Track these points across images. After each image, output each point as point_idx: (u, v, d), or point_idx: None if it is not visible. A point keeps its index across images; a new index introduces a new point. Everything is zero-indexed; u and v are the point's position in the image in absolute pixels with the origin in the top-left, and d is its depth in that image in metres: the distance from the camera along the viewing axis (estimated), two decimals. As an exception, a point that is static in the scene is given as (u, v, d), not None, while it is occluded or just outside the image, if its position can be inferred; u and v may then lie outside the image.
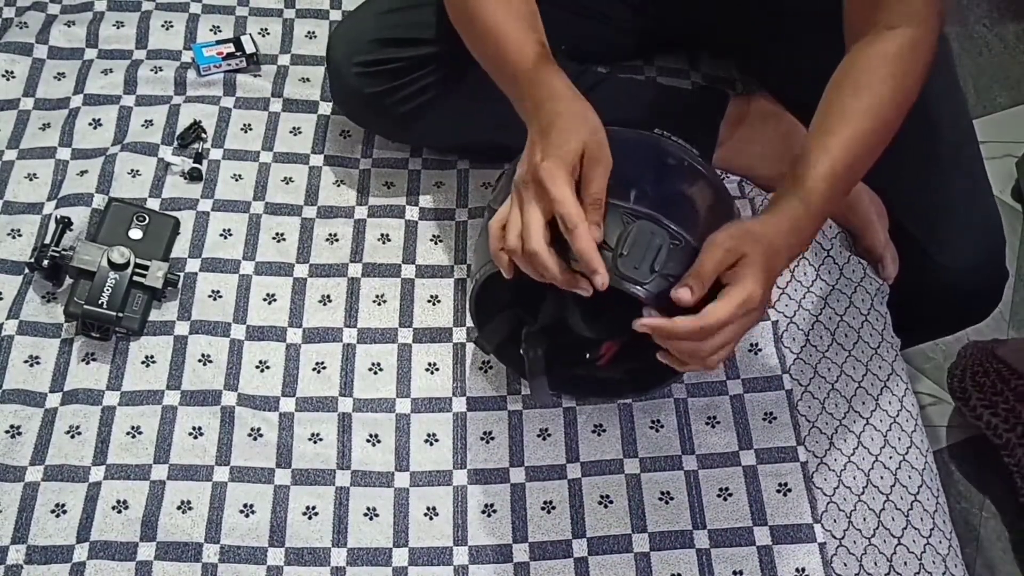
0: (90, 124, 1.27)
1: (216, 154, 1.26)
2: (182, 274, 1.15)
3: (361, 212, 1.23)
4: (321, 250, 1.20)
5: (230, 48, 1.32)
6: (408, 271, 1.19)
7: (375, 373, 1.12)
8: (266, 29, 1.38)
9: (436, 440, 1.09)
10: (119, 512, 1.02)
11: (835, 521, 1.05)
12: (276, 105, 1.31)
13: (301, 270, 1.19)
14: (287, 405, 1.10)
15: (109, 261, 1.11)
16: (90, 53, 1.34)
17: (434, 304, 1.17)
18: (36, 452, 1.05)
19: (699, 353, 0.90)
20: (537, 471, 1.07)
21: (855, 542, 1.05)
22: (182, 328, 1.12)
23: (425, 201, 1.24)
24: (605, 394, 1.10)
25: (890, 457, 1.11)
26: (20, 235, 1.18)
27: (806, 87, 1.02)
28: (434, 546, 1.03)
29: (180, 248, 1.18)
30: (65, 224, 1.15)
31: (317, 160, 1.27)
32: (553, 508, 1.05)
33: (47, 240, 1.14)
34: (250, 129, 1.29)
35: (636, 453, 1.08)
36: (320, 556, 1.02)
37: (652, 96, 1.30)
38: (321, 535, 1.03)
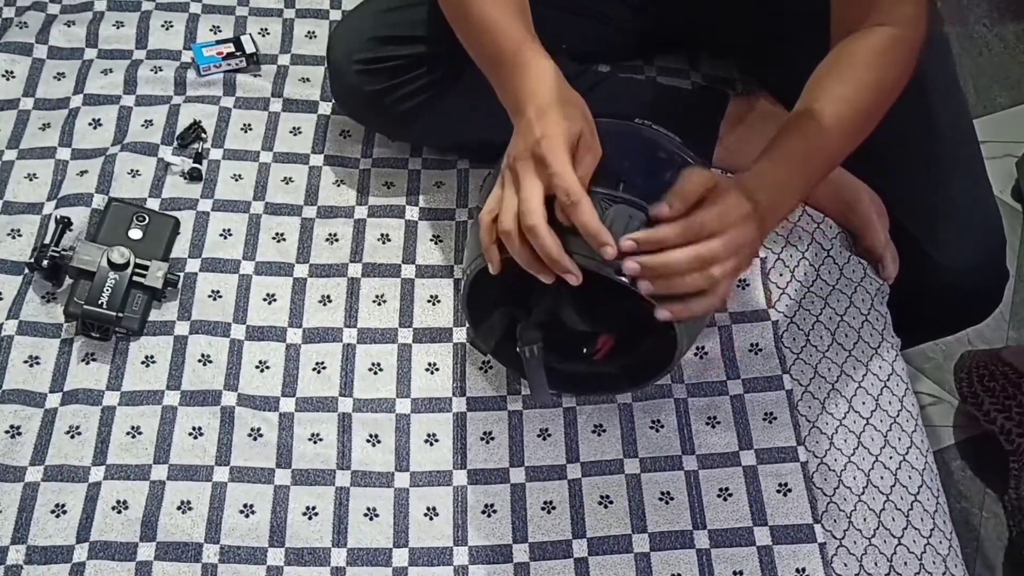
0: (90, 124, 1.27)
1: (216, 154, 1.26)
2: (182, 274, 1.15)
3: (361, 212, 1.23)
4: (321, 250, 1.20)
5: (230, 48, 1.32)
6: (408, 271, 1.19)
7: (375, 373, 1.12)
8: (266, 29, 1.38)
9: (436, 440, 1.09)
10: (119, 512, 1.02)
11: (835, 521, 1.05)
12: (276, 105, 1.31)
13: (301, 270, 1.19)
14: (287, 405, 1.10)
15: (109, 261, 1.10)
16: (90, 53, 1.34)
17: (434, 304, 1.17)
18: (36, 452, 1.05)
19: (698, 261, 0.87)
20: (537, 471, 1.07)
21: (855, 542, 1.05)
22: (182, 328, 1.12)
23: (425, 201, 1.24)
24: (604, 389, 1.10)
25: (890, 457, 1.11)
26: (20, 235, 1.18)
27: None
28: (434, 546, 1.03)
29: (180, 248, 1.18)
30: (65, 224, 1.15)
31: (317, 160, 1.27)
32: (553, 508, 1.05)
33: (47, 240, 1.14)
34: (250, 129, 1.29)
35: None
36: (320, 556, 1.02)
37: (652, 96, 1.30)
38: (321, 535, 1.03)
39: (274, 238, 1.20)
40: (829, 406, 1.12)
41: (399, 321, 1.16)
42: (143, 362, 1.10)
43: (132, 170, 1.23)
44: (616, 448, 1.08)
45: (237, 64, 1.32)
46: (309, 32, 1.38)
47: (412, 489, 1.06)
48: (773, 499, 1.05)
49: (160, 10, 1.38)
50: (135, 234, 1.16)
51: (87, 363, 1.10)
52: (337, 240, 1.21)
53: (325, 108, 1.31)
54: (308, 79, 1.34)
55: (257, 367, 1.11)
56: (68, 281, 1.13)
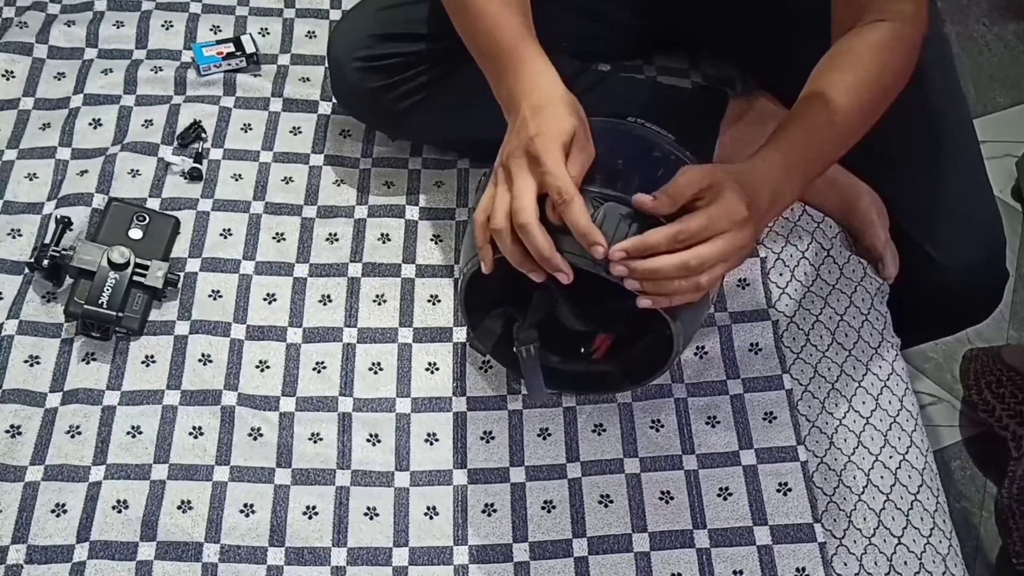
0: (90, 124, 1.27)
1: (216, 154, 1.26)
2: (182, 274, 1.15)
3: (361, 212, 1.23)
4: (321, 250, 1.20)
5: (230, 48, 1.33)
6: (408, 271, 1.19)
7: (375, 373, 1.12)
8: (266, 29, 1.38)
9: (436, 440, 1.09)
10: (119, 512, 1.02)
11: (835, 521, 1.05)
12: (276, 105, 1.31)
13: (301, 270, 1.19)
14: (287, 405, 1.10)
15: (109, 261, 1.10)
16: (90, 53, 1.34)
17: (434, 304, 1.17)
18: (36, 452, 1.05)
19: (685, 269, 0.87)
20: (537, 471, 1.07)
21: (855, 542, 1.05)
22: (182, 328, 1.12)
23: (425, 201, 1.24)
24: (602, 388, 1.10)
25: (890, 457, 1.10)
26: (20, 235, 1.18)
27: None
28: (434, 546, 1.03)
29: (180, 248, 1.18)
30: (65, 224, 1.15)
31: (317, 160, 1.27)
32: (553, 508, 1.05)
33: (47, 240, 1.14)
34: (250, 129, 1.29)
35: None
36: (320, 556, 1.02)
37: (652, 96, 1.30)
38: (321, 535, 1.03)
39: (274, 238, 1.20)
40: (829, 406, 1.12)
41: (399, 321, 1.16)
42: (143, 362, 1.10)
43: (132, 170, 1.23)
44: (616, 448, 1.08)
45: (237, 64, 1.32)
46: (309, 32, 1.38)
47: (412, 488, 1.06)
48: (773, 499, 1.05)
49: (160, 10, 1.38)
50: (135, 234, 1.16)
51: (87, 363, 1.10)
52: (337, 240, 1.21)
53: (325, 108, 1.31)
54: (308, 79, 1.34)
55: (257, 367, 1.11)
56: (68, 281, 1.13)
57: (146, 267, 1.12)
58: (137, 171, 1.23)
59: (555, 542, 1.03)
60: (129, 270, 1.11)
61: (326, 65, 1.30)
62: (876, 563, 1.03)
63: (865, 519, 1.06)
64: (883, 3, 1.02)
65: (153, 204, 1.21)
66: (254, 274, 1.17)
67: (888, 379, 1.16)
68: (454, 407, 1.11)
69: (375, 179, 1.26)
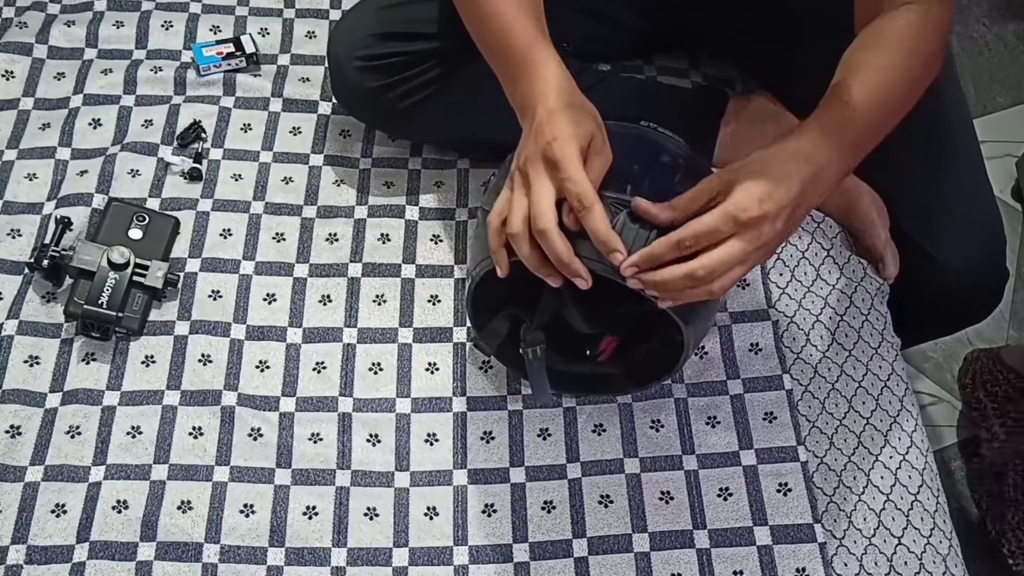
0: (90, 124, 1.27)
1: (216, 154, 1.26)
2: (182, 274, 1.15)
3: (361, 212, 1.23)
4: (321, 250, 1.20)
5: (230, 48, 1.32)
6: (408, 271, 1.19)
7: (375, 373, 1.12)
8: (266, 29, 1.38)
9: (436, 440, 1.09)
10: (119, 512, 1.02)
11: (835, 521, 1.05)
12: (276, 105, 1.31)
13: (301, 270, 1.19)
14: (287, 405, 1.10)
15: (109, 261, 1.10)
16: (90, 53, 1.34)
17: (434, 304, 1.17)
18: (36, 452, 1.05)
19: (692, 279, 0.86)
20: (537, 471, 1.07)
21: (855, 542, 1.05)
22: (182, 328, 1.12)
23: (425, 201, 1.24)
24: (607, 390, 1.10)
25: (890, 457, 1.11)
26: (20, 235, 1.18)
27: (806, 87, 1.02)
28: (434, 546, 1.03)
29: (180, 248, 1.18)
30: (65, 224, 1.15)
31: (317, 160, 1.27)
32: (553, 508, 1.05)
33: (47, 240, 1.14)
34: (250, 129, 1.29)
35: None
36: (320, 556, 1.02)
37: (652, 95, 1.30)
38: (321, 535, 1.03)
39: (274, 238, 1.20)
40: (829, 406, 1.12)
41: (399, 321, 1.16)
42: (143, 362, 1.10)
43: (132, 170, 1.23)
44: (616, 448, 1.08)
45: (237, 64, 1.32)
46: (309, 32, 1.38)
47: (412, 489, 1.06)
48: (773, 499, 1.05)
49: (160, 10, 1.38)
50: (135, 234, 1.16)
51: (87, 363, 1.10)
52: (337, 240, 1.21)
53: (325, 108, 1.31)
54: (308, 79, 1.34)
55: (257, 367, 1.11)
56: (68, 281, 1.13)
57: (146, 267, 1.12)
58: (137, 171, 1.23)
59: (555, 542, 1.03)
60: (129, 270, 1.11)
61: (326, 65, 1.30)
62: (876, 563, 1.03)
63: (865, 519, 1.06)
64: None
65: (153, 204, 1.21)
66: (254, 274, 1.17)
67: (888, 379, 1.16)
68: (454, 407, 1.11)
69: (375, 179, 1.26)
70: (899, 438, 1.12)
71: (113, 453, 1.05)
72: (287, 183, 1.25)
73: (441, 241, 1.21)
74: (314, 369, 1.12)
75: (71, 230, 1.16)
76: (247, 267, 1.18)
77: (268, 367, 1.12)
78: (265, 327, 1.14)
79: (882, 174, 1.22)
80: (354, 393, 1.11)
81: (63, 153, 1.25)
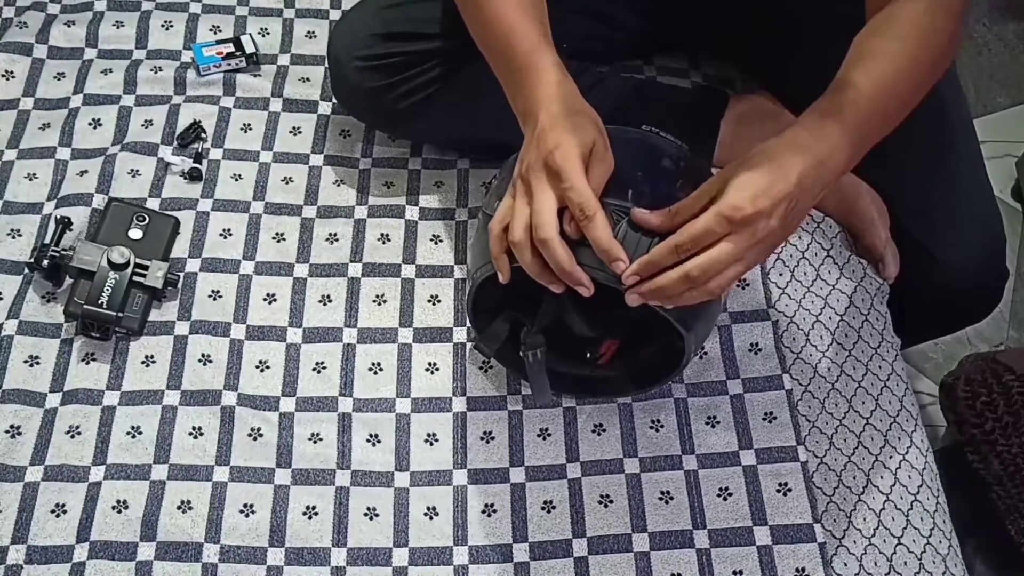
0: (90, 124, 1.27)
1: (216, 154, 1.26)
2: (182, 274, 1.15)
3: (361, 212, 1.23)
4: (321, 250, 1.20)
5: (230, 48, 1.32)
6: (408, 271, 1.19)
7: (375, 373, 1.12)
8: (266, 29, 1.38)
9: (436, 440, 1.09)
10: (119, 512, 1.02)
11: (835, 521, 1.05)
12: (276, 105, 1.31)
13: (301, 270, 1.19)
14: (287, 405, 1.10)
15: (109, 261, 1.10)
16: (90, 53, 1.34)
17: (434, 304, 1.17)
18: (36, 452, 1.05)
19: (688, 281, 0.85)
20: (537, 471, 1.07)
21: (855, 542, 1.05)
22: (182, 328, 1.12)
23: (425, 201, 1.24)
24: (607, 393, 1.10)
25: (890, 457, 1.11)
26: (20, 235, 1.18)
27: (806, 87, 1.02)
28: (434, 546, 1.03)
29: (180, 248, 1.18)
30: (65, 224, 1.15)
31: (317, 160, 1.27)
32: (553, 508, 1.05)
33: (47, 240, 1.14)
34: (250, 129, 1.29)
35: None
36: (320, 556, 1.02)
37: (652, 96, 1.30)
38: (321, 535, 1.03)
39: (274, 238, 1.20)
40: (829, 406, 1.12)
41: (399, 321, 1.16)
42: (143, 362, 1.10)
43: (132, 170, 1.23)
44: (616, 448, 1.08)
45: (237, 64, 1.32)
46: (309, 32, 1.38)
47: (412, 489, 1.06)
48: (773, 499, 1.05)
49: (160, 10, 1.38)
50: (135, 234, 1.16)
51: (87, 363, 1.10)
52: (337, 240, 1.21)
53: (325, 108, 1.31)
54: (308, 79, 1.34)
55: (257, 367, 1.11)
56: (68, 281, 1.13)
57: (146, 267, 1.12)
58: (137, 171, 1.23)
59: (555, 542, 1.03)
60: (129, 270, 1.11)
61: (326, 65, 1.30)
62: (876, 563, 1.03)
63: (865, 519, 1.06)
64: None
65: (153, 204, 1.21)
66: (254, 274, 1.17)
67: (888, 379, 1.16)
68: (454, 407, 1.11)
69: (375, 179, 1.26)
70: (899, 438, 1.12)
71: (113, 453, 1.05)
72: (287, 183, 1.25)
73: (441, 241, 1.21)
74: (314, 369, 1.12)
75: (71, 230, 1.16)
76: (247, 267, 1.18)
77: (268, 367, 1.12)
78: (265, 327, 1.14)
79: (882, 173, 1.22)
80: (354, 393, 1.11)
81: (63, 153, 1.25)
